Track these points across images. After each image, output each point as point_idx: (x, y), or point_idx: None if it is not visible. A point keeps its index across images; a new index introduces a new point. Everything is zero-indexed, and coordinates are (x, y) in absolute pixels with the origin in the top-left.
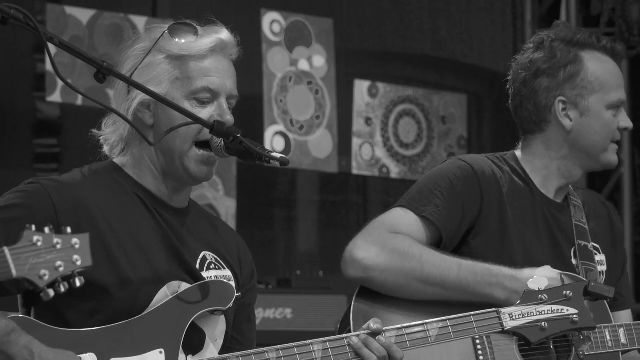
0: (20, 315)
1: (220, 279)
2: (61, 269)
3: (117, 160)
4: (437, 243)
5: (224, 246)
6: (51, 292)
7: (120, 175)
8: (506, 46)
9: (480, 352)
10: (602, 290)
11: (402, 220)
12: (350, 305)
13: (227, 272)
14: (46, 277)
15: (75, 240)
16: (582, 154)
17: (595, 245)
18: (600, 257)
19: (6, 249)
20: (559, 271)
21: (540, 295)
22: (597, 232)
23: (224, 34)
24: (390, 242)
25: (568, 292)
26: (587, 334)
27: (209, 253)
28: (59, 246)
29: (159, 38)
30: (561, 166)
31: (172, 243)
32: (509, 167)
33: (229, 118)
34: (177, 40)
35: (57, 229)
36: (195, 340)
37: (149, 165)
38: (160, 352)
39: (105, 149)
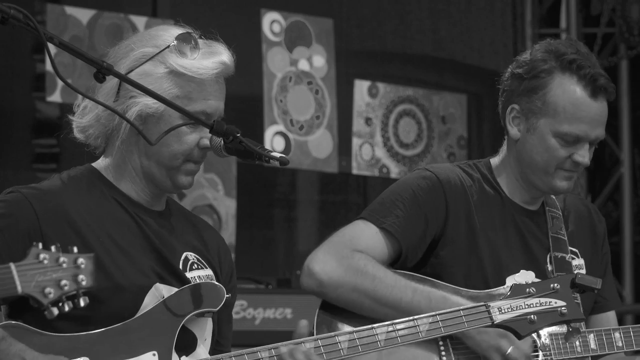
0: (12, 322)
1: (209, 281)
2: (66, 287)
3: (96, 164)
4: (399, 255)
5: (204, 245)
6: (55, 311)
7: (99, 180)
8: (506, 46)
9: (443, 353)
10: (590, 282)
11: (362, 233)
12: (315, 316)
13: (209, 272)
14: (51, 295)
15: (80, 259)
16: (527, 169)
17: (574, 249)
18: (578, 261)
19: (12, 265)
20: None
21: (528, 289)
22: (577, 236)
23: (226, 56)
24: (348, 259)
25: (555, 284)
26: (576, 326)
27: (191, 253)
28: (64, 265)
29: (164, 49)
30: (519, 177)
31: (154, 246)
32: (480, 175)
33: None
34: (181, 55)
35: (40, 237)
36: (187, 341)
37: (130, 171)
38: (154, 355)
39: (78, 134)
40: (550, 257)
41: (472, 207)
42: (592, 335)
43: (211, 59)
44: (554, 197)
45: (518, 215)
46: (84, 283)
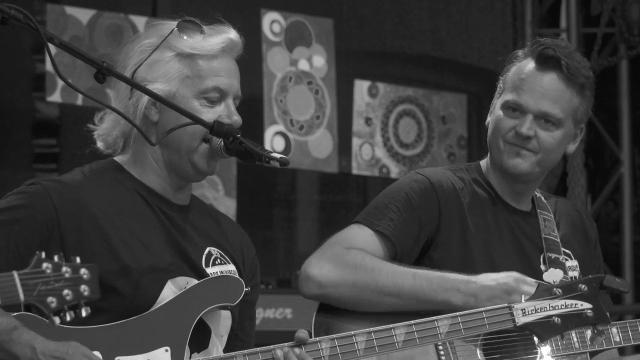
0: (24, 313)
1: (228, 274)
2: (68, 297)
3: (118, 158)
4: (394, 257)
5: (228, 241)
6: (57, 320)
7: (121, 174)
8: (506, 46)
9: (442, 357)
10: (618, 285)
11: (357, 236)
12: (312, 319)
13: (232, 267)
14: (53, 305)
15: (83, 270)
16: (490, 150)
17: (567, 251)
18: (572, 262)
19: (15, 273)
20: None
21: (554, 290)
22: (569, 239)
23: (233, 34)
24: (343, 257)
25: (582, 286)
26: (601, 329)
27: (214, 248)
28: (67, 275)
29: (168, 35)
30: (495, 168)
31: (176, 240)
32: (470, 178)
33: (236, 118)
34: (186, 38)
35: (57, 230)
36: (201, 338)
37: (152, 163)
38: (166, 350)
39: (100, 144)
40: (543, 258)
41: (465, 210)
42: (589, 331)
43: (217, 36)
44: (545, 201)
45: (511, 216)
46: (86, 293)
